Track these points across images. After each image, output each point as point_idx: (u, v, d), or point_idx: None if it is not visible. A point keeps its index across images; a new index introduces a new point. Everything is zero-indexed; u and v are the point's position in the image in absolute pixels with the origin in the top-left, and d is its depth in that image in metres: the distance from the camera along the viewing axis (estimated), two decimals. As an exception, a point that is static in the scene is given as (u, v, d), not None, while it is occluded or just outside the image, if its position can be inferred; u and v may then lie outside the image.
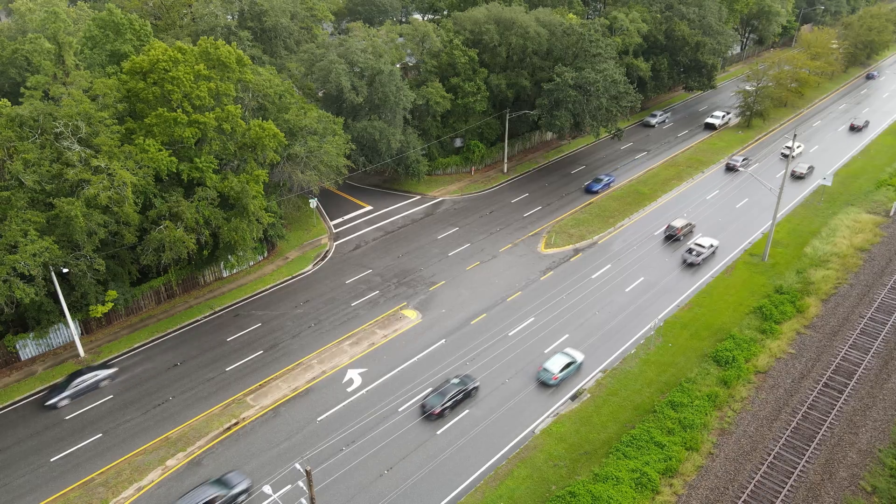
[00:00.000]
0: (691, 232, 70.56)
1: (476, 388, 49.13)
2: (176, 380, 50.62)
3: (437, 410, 46.40)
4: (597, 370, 51.86)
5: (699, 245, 66.15)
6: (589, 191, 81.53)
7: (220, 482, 40.65)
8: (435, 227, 73.06)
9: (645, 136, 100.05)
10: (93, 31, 62.32)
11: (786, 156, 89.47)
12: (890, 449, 43.53)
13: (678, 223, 70.29)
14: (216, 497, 39.42)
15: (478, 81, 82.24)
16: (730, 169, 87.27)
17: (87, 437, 45.23)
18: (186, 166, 53.62)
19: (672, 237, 69.24)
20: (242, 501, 40.59)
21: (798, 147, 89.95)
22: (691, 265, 65.31)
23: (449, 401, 47.03)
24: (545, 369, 50.16)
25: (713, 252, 66.87)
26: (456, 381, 48.73)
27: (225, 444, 44.94)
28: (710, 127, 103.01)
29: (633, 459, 42.26)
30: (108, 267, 52.54)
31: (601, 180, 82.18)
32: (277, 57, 78.79)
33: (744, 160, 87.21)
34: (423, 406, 47.29)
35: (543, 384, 50.00)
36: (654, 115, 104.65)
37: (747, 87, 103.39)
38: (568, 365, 50.45)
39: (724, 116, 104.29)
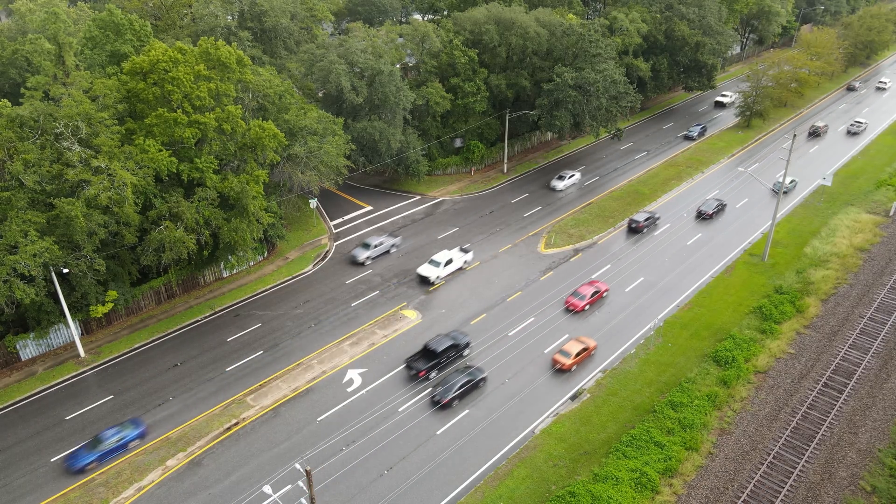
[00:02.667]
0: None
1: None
2: (176, 380, 50.66)
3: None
4: (597, 370, 51.90)
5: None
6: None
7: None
8: (435, 227, 73.10)
9: (645, 136, 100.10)
10: (93, 32, 62.34)
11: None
12: (889, 449, 43.57)
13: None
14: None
15: (478, 82, 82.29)
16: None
17: (88, 438, 45.23)
18: (186, 167, 53.65)
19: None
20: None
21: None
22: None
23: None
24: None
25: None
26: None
27: (225, 444, 44.98)
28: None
29: (633, 459, 42.29)
30: (108, 267, 52.58)
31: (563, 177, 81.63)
32: (277, 57, 78.83)
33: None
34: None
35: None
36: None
37: (746, 89, 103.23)
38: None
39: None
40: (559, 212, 76.79)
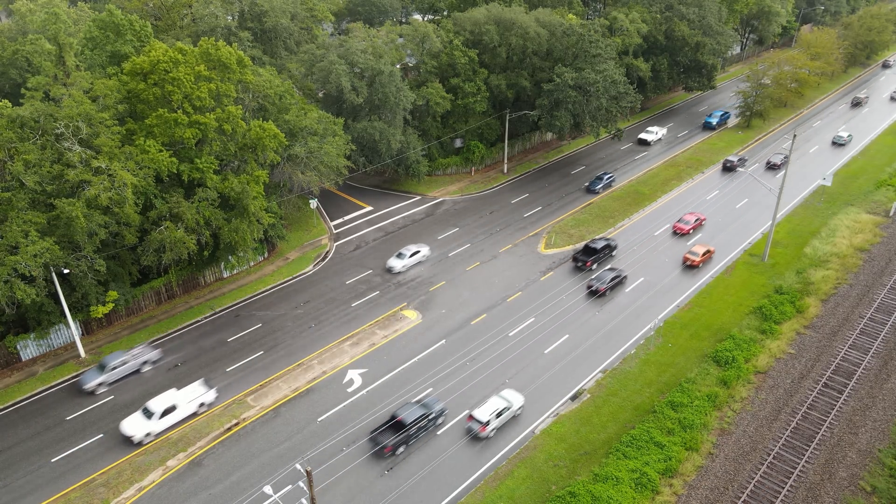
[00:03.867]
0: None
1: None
2: (176, 380, 50.66)
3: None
4: (597, 370, 51.94)
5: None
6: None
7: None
8: (435, 227, 73.13)
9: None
10: (93, 32, 62.37)
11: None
12: (889, 449, 43.60)
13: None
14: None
15: (478, 82, 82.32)
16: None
17: (88, 438, 45.30)
18: (187, 167, 53.69)
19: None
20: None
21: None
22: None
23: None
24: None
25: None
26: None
27: (225, 444, 45.01)
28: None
29: (633, 459, 42.33)
30: (108, 267, 52.61)
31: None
32: (277, 57, 78.86)
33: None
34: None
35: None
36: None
37: (746, 89, 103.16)
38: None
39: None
40: (559, 212, 76.81)
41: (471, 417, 45.14)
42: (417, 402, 46.35)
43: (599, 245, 65.13)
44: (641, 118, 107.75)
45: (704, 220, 72.85)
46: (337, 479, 42.03)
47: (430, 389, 49.24)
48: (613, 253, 66.50)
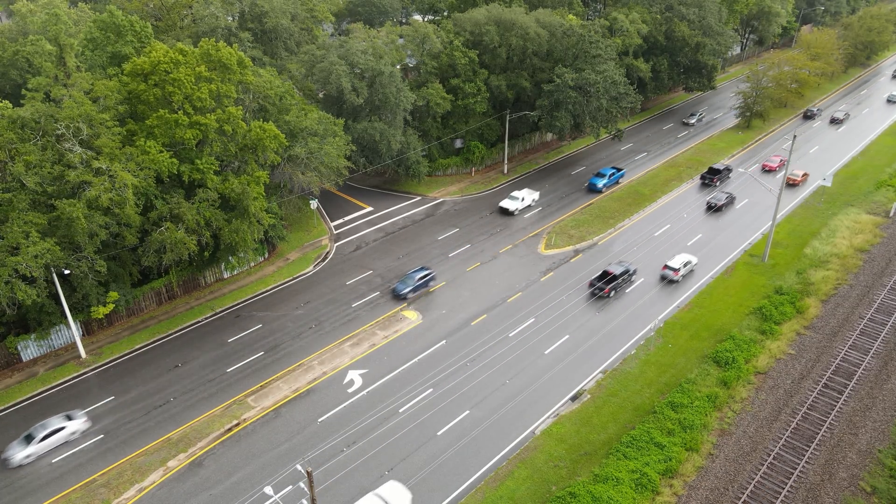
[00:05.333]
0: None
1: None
2: (177, 381, 50.74)
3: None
4: (597, 371, 51.97)
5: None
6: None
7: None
8: (435, 228, 73.17)
9: (645, 137, 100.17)
10: (94, 33, 62.42)
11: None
12: (889, 449, 43.64)
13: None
14: None
15: (478, 82, 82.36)
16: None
17: (89, 438, 45.35)
18: (187, 168, 53.73)
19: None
20: None
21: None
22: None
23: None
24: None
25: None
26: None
27: (226, 444, 45.06)
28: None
29: (634, 460, 42.37)
30: (109, 268, 52.64)
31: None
32: (278, 58, 78.91)
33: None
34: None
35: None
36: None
37: (746, 89, 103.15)
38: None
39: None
40: (559, 212, 76.83)
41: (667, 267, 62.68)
42: (619, 262, 62.48)
43: (721, 168, 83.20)
44: (642, 118, 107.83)
45: (784, 161, 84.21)
46: (338, 479, 42.07)
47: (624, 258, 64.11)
48: (730, 175, 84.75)
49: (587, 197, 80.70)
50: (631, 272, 62.40)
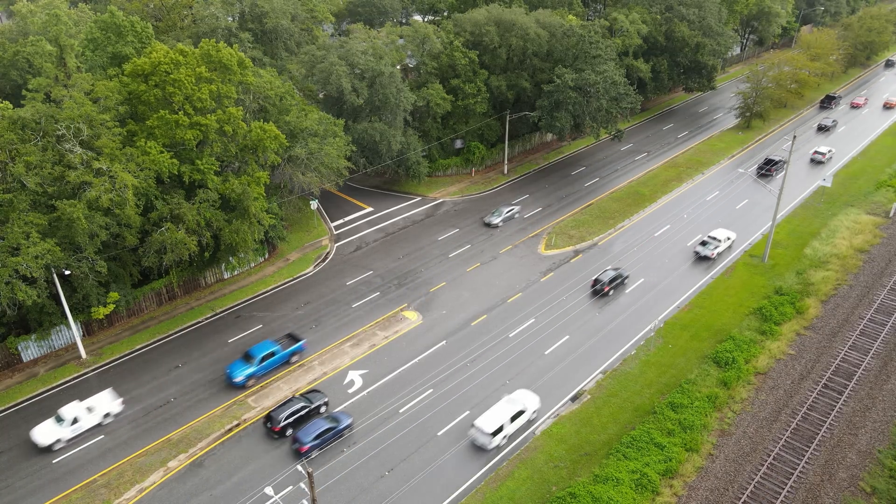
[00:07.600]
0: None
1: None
2: (177, 381, 50.77)
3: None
4: (597, 371, 52.01)
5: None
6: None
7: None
8: (435, 228, 73.21)
9: (645, 137, 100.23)
10: (94, 34, 62.40)
11: None
12: (889, 450, 43.67)
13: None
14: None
15: (478, 83, 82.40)
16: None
17: (90, 439, 45.38)
18: (188, 168, 53.77)
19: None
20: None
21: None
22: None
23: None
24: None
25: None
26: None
27: (226, 445, 45.08)
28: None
29: (634, 460, 42.40)
30: (109, 269, 52.66)
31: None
32: (278, 59, 78.93)
33: None
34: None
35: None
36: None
37: (746, 89, 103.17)
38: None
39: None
40: (559, 213, 76.89)
41: None
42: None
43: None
44: (642, 119, 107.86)
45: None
46: (338, 480, 42.10)
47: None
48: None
49: (587, 197, 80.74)
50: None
